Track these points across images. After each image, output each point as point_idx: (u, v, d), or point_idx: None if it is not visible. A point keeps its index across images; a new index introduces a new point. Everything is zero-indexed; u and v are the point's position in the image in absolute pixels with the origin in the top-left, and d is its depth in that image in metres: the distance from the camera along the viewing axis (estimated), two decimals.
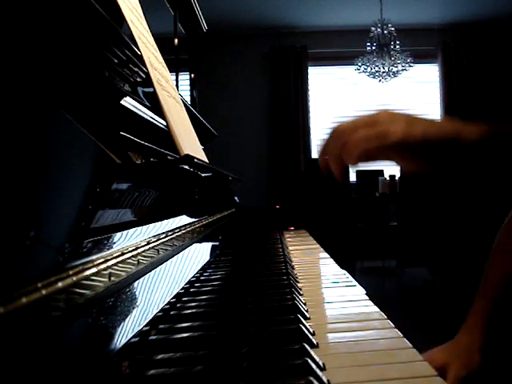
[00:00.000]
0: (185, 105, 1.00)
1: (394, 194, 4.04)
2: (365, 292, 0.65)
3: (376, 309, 0.56)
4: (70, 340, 0.31)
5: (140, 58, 0.67)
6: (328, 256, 1.02)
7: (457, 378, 0.71)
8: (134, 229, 0.50)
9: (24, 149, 0.29)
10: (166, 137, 0.68)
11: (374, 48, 4.45)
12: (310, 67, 5.39)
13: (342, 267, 0.88)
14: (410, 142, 0.53)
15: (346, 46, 5.20)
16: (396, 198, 3.93)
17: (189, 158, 0.62)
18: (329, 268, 0.90)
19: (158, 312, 0.48)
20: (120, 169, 0.46)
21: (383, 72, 4.51)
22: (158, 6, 1.45)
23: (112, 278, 0.39)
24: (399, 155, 0.56)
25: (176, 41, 1.72)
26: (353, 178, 4.87)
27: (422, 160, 0.55)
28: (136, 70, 0.72)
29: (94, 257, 0.36)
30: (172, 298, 0.55)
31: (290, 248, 1.13)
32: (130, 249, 0.45)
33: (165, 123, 0.68)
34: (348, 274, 0.79)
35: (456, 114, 5.27)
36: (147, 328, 0.44)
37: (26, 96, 0.32)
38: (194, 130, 1.00)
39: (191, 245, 0.75)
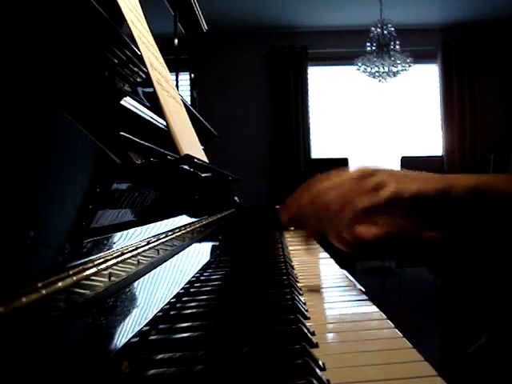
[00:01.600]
0: (185, 105, 1.00)
1: None
2: (365, 292, 0.65)
3: (376, 309, 0.56)
4: (70, 340, 0.31)
5: (140, 58, 0.67)
6: (328, 256, 1.02)
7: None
8: (133, 229, 0.50)
9: (24, 149, 0.29)
10: (166, 137, 0.68)
11: (373, 48, 4.45)
12: (309, 67, 5.39)
13: (342, 267, 0.88)
14: (403, 199, 0.51)
15: (346, 46, 5.20)
16: None
17: (189, 158, 0.62)
18: (329, 268, 0.90)
19: (158, 312, 0.48)
20: (120, 169, 0.46)
21: (383, 72, 4.51)
22: (158, 6, 1.45)
23: (112, 278, 0.39)
24: (392, 216, 0.55)
25: (176, 41, 1.72)
26: None
27: (414, 220, 0.55)
28: (136, 70, 0.72)
29: (93, 257, 0.36)
30: (172, 298, 0.54)
31: (290, 248, 1.13)
32: (130, 249, 0.45)
33: (165, 123, 0.68)
34: (348, 274, 0.79)
35: (455, 115, 5.27)
36: (147, 328, 0.44)
37: (26, 96, 0.32)
38: (193, 130, 1.00)
39: (191, 245, 0.75)
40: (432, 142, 5.44)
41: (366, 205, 0.52)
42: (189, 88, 2.01)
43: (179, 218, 0.74)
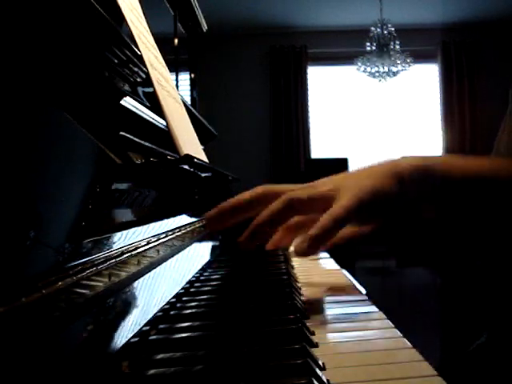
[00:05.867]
0: (185, 105, 1.00)
1: None
2: (365, 292, 0.65)
3: (375, 309, 0.56)
4: (69, 340, 0.31)
5: (140, 57, 0.67)
6: (328, 256, 1.02)
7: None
8: (133, 229, 0.50)
9: (24, 149, 0.29)
10: (166, 137, 0.68)
11: (373, 48, 4.45)
12: (309, 67, 5.39)
13: (342, 267, 0.88)
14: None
15: (346, 46, 5.20)
16: None
17: (189, 158, 0.62)
18: (329, 268, 0.90)
19: (158, 312, 0.48)
20: (120, 169, 0.46)
21: (383, 72, 4.51)
22: (157, 5, 1.45)
23: (112, 278, 0.39)
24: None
25: (176, 41, 1.72)
26: None
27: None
28: (136, 70, 0.72)
29: (93, 257, 0.36)
30: (172, 298, 0.55)
31: (290, 248, 1.13)
32: (130, 249, 0.45)
33: (165, 123, 0.68)
34: (348, 274, 0.79)
35: (456, 115, 5.27)
36: (147, 328, 0.44)
37: (26, 96, 0.32)
38: (194, 130, 1.00)
39: (191, 245, 0.75)
40: (432, 142, 5.45)
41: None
42: (189, 88, 2.01)
43: (179, 217, 0.74)
